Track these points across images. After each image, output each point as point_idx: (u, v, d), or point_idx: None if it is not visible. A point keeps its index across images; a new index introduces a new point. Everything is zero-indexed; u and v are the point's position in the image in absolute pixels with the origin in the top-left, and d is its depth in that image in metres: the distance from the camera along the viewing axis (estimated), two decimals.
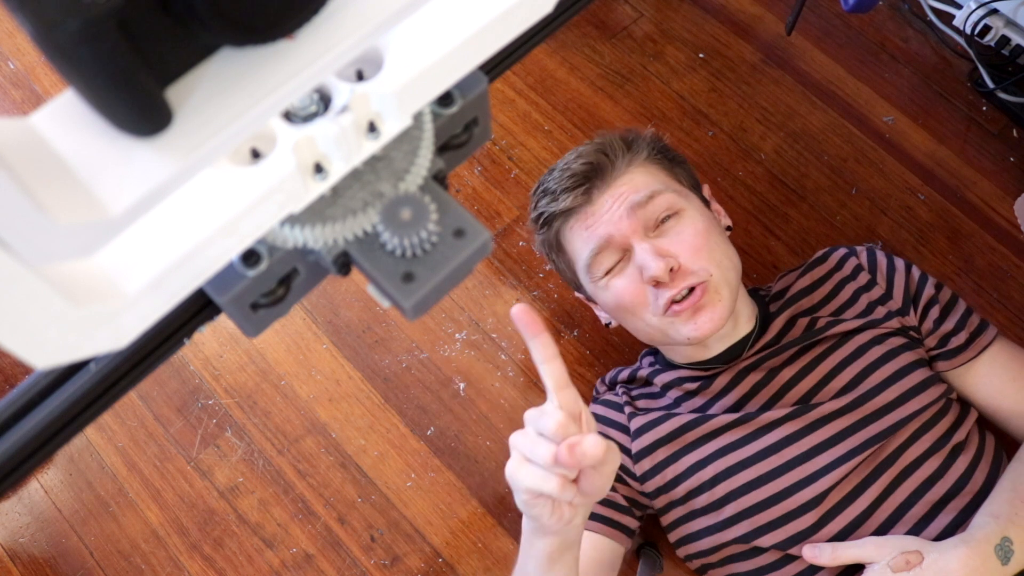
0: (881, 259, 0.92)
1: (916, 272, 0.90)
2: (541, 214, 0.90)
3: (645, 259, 0.80)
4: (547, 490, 0.55)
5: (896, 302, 0.88)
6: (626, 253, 0.84)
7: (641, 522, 0.89)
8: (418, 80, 0.29)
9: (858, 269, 0.91)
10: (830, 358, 0.84)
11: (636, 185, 0.85)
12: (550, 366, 0.56)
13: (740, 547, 0.80)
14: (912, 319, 0.87)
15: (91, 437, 1.07)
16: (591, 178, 0.86)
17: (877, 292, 0.89)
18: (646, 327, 0.85)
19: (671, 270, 0.79)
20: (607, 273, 0.85)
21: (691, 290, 0.80)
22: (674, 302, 0.80)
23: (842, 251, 0.94)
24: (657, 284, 0.80)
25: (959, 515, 0.76)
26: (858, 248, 0.94)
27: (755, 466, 0.80)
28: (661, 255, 0.80)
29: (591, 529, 0.85)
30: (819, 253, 0.96)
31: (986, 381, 0.87)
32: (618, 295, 0.84)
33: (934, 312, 0.88)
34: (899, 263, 0.91)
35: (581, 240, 0.86)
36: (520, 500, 0.58)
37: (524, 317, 0.55)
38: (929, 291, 0.89)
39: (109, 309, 0.24)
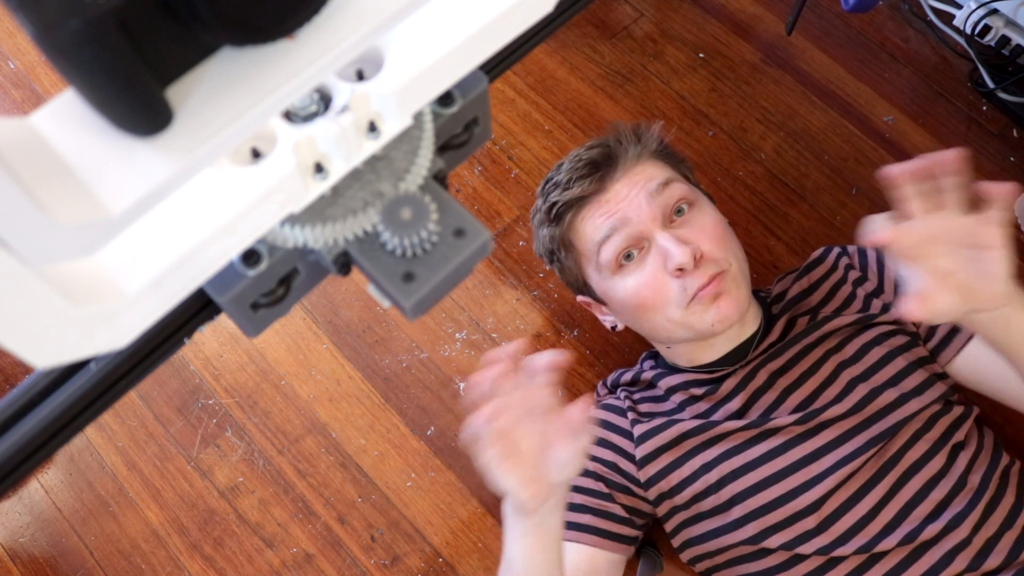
0: (871, 255, 0.92)
1: None
2: (553, 204, 0.87)
3: (669, 247, 0.79)
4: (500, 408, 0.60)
5: (888, 295, 0.88)
6: (644, 246, 0.83)
7: (643, 531, 0.89)
8: (418, 80, 0.29)
9: (849, 267, 0.92)
10: (831, 360, 0.84)
11: (650, 174, 0.84)
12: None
13: (748, 548, 0.80)
14: None
15: (91, 437, 1.07)
16: (603, 166, 0.84)
17: (870, 286, 0.89)
18: (665, 323, 0.83)
19: (695, 258, 0.79)
20: (619, 265, 0.83)
21: (710, 280, 0.80)
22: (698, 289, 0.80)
23: (836, 250, 0.94)
24: (681, 273, 0.80)
25: (961, 512, 0.76)
26: (850, 248, 0.94)
27: (761, 467, 0.80)
28: (685, 242, 0.79)
29: (586, 542, 0.85)
30: (816, 254, 0.96)
31: (990, 356, 0.82)
32: (637, 290, 0.82)
33: None
34: (887, 258, 0.91)
35: (593, 227, 0.84)
36: (491, 468, 0.61)
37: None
38: None
39: (109, 309, 0.24)
